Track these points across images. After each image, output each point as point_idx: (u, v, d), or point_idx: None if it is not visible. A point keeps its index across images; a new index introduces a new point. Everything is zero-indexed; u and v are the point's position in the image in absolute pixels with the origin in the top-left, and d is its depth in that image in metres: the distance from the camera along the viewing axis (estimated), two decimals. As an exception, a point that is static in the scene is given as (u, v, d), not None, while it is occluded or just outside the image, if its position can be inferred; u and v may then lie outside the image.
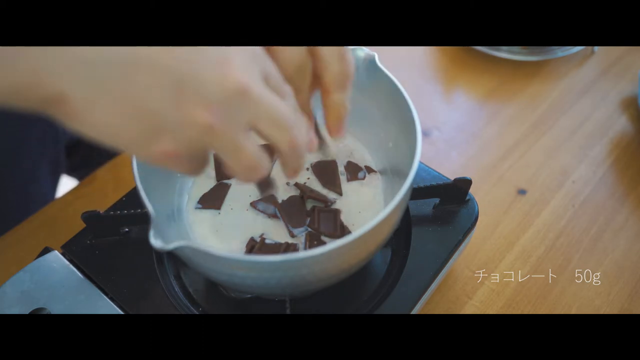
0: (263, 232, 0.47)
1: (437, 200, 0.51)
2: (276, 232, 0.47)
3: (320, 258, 0.35)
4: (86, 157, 0.81)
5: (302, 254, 0.34)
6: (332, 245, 0.34)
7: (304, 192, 0.48)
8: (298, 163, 0.32)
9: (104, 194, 0.64)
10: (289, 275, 0.37)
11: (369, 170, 0.51)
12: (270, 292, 0.44)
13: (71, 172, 0.86)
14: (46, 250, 0.48)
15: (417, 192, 0.49)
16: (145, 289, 0.46)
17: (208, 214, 0.48)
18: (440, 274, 0.48)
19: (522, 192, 0.64)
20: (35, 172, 0.65)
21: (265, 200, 0.49)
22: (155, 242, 0.34)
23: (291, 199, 0.48)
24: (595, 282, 0.56)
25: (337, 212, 0.47)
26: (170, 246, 0.34)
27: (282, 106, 0.30)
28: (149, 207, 0.36)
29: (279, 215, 0.48)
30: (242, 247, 0.46)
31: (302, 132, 0.31)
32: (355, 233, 0.35)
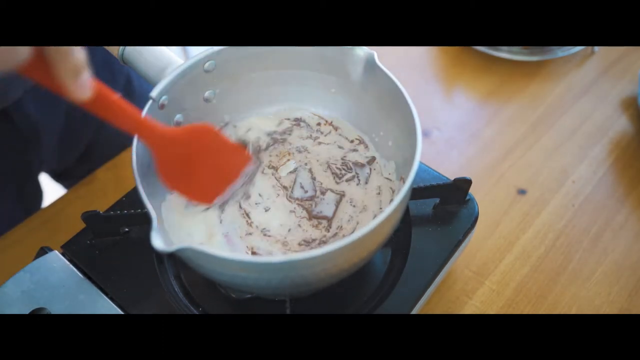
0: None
1: (437, 200, 0.51)
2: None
3: (321, 258, 0.35)
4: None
5: (303, 254, 0.34)
6: (332, 245, 0.34)
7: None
8: None
9: (104, 194, 0.64)
10: (290, 276, 0.37)
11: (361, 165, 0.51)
12: (272, 292, 0.44)
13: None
14: (43, 251, 0.48)
15: (417, 192, 0.49)
16: (145, 289, 0.46)
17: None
18: (440, 274, 0.48)
19: (522, 192, 0.64)
20: None
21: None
22: (157, 243, 0.34)
23: None
24: (595, 282, 0.56)
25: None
26: (172, 248, 0.34)
27: None
28: (149, 207, 0.36)
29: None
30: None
31: None
32: (356, 233, 0.35)
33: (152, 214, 0.36)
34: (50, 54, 0.30)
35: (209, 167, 0.46)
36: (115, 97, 0.36)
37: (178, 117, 0.48)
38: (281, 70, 0.51)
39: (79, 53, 0.30)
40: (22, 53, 0.28)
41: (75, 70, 0.31)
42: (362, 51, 0.46)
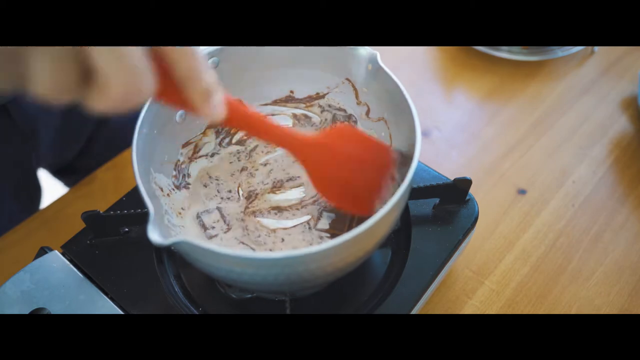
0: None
1: (437, 200, 0.51)
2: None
3: (317, 255, 0.35)
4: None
5: (300, 251, 0.34)
6: (329, 243, 0.34)
7: None
8: None
9: (104, 194, 0.64)
10: (285, 273, 0.37)
11: None
12: (268, 289, 0.44)
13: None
14: (43, 251, 0.48)
15: (417, 192, 0.49)
16: (145, 289, 0.46)
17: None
18: (440, 274, 0.48)
19: (522, 192, 0.64)
20: None
21: None
22: (154, 237, 0.34)
23: None
24: (595, 282, 0.56)
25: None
26: (169, 241, 0.34)
27: None
28: (150, 207, 0.36)
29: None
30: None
31: None
32: (353, 231, 0.35)
33: (150, 209, 0.36)
34: (181, 80, 0.30)
35: (358, 169, 0.45)
36: (252, 111, 0.36)
37: (180, 114, 0.48)
38: (284, 69, 0.51)
39: (210, 76, 0.31)
40: (148, 91, 0.28)
41: (207, 93, 0.31)
42: (365, 51, 0.46)
